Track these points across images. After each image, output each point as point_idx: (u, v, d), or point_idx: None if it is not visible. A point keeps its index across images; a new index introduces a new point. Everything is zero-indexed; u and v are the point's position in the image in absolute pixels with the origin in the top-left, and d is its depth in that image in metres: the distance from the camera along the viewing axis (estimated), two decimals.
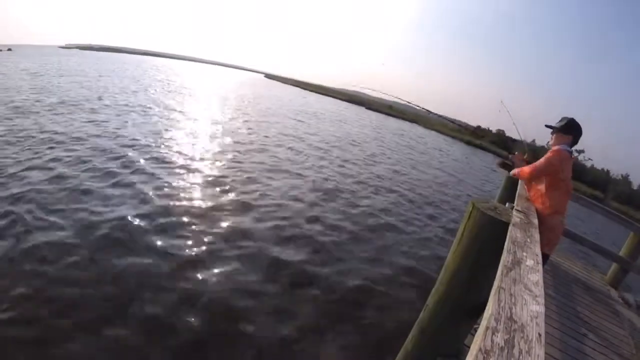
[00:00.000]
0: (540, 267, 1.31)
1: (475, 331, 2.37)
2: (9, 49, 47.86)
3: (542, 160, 2.68)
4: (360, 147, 15.60)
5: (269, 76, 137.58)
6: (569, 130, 2.66)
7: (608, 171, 40.08)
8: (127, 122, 10.83)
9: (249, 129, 14.01)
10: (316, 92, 73.12)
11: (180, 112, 14.76)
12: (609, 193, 32.52)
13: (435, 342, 2.21)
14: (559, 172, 2.58)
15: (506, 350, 0.84)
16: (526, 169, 2.78)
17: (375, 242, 5.86)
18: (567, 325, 3.36)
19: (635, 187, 36.31)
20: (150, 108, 14.02)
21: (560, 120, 2.73)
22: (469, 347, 2.29)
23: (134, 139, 8.94)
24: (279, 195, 7.05)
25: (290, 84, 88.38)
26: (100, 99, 14.17)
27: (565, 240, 4.59)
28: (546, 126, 2.84)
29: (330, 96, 69.38)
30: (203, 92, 26.94)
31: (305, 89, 76.62)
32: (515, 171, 3.01)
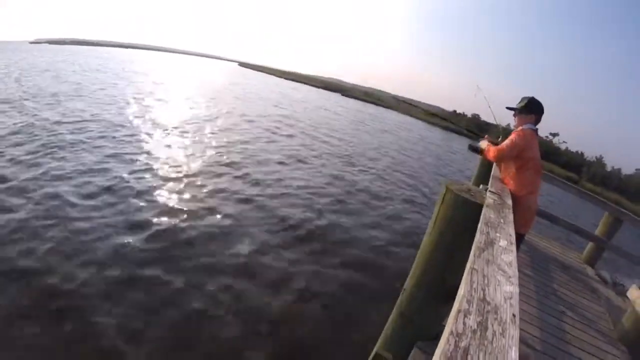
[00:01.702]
0: (514, 247, 1.30)
1: None
2: None
3: (506, 142, 2.67)
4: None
5: (242, 64, 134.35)
6: (531, 109, 2.66)
7: (582, 153, 41.10)
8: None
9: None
10: (295, 80, 72.32)
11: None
12: (584, 175, 33.40)
13: (414, 325, 2.21)
14: (525, 151, 2.57)
15: (479, 333, 0.81)
16: (491, 150, 2.77)
17: None
18: (545, 303, 3.41)
19: (609, 168, 37.32)
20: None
21: (521, 101, 2.72)
22: None
23: None
24: None
25: (268, 73, 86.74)
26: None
27: (541, 220, 4.66)
28: (507, 108, 2.83)
29: (306, 83, 68.86)
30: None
31: (282, 77, 75.69)
32: (483, 145, 3.00)
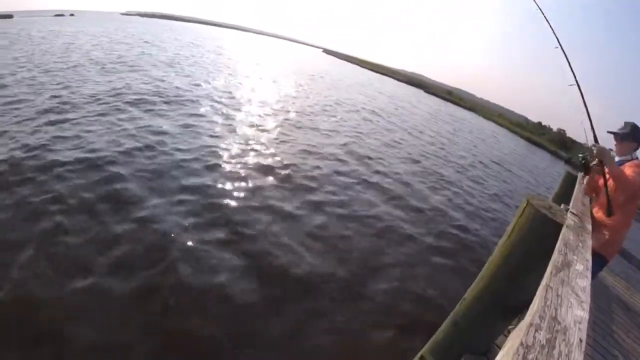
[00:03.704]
0: (589, 273, 1.28)
1: (509, 332, 2.30)
2: (72, 14, 50.25)
3: (632, 174, 2.36)
4: None
5: (327, 51, 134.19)
6: (635, 136, 2.51)
7: None
8: None
9: None
10: (379, 72, 72.39)
11: None
12: None
13: (466, 337, 2.18)
14: None
15: (547, 350, 0.83)
16: (616, 172, 2.34)
17: None
18: (600, 343, 3.20)
19: None
20: None
21: (624, 127, 2.55)
22: (499, 348, 2.22)
23: None
24: None
25: (353, 62, 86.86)
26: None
27: None
28: (609, 132, 2.66)
29: (390, 76, 69.40)
30: None
31: (366, 67, 75.98)
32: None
